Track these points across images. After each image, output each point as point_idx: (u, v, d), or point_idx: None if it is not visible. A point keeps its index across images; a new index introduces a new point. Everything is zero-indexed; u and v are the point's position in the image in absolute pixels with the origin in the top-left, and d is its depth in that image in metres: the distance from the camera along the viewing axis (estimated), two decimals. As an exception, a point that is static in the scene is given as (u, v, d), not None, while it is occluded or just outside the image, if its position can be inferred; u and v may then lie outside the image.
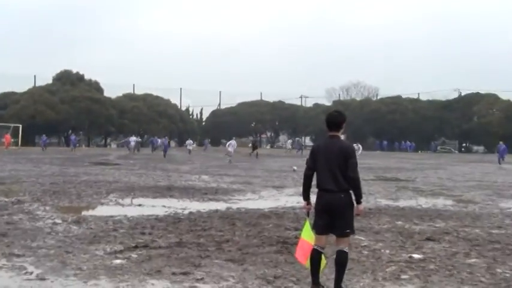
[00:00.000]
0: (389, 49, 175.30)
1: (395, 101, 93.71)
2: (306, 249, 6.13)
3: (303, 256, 6.17)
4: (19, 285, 6.19)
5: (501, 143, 43.80)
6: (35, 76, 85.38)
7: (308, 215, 6.45)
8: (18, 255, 7.61)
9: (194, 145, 58.70)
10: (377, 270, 7.05)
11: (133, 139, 57.82)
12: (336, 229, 6.04)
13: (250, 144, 57.52)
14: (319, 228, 6.09)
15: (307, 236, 6.18)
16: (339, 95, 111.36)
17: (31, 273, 6.70)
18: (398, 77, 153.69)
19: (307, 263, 6.11)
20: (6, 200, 14.03)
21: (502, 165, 39.13)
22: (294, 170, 27.09)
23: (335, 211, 5.97)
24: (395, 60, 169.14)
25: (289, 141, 79.37)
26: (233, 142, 42.96)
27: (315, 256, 6.01)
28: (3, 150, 52.09)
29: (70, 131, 71.92)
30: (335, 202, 5.97)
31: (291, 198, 15.79)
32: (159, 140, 60.71)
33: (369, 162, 40.88)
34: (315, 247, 6.04)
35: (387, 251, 8.26)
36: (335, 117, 6.36)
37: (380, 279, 6.58)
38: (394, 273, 6.91)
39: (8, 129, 65.54)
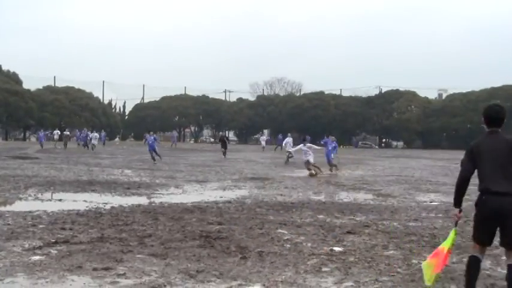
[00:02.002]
0: (313, 46, 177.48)
1: (319, 97, 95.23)
2: (440, 258, 5.54)
3: (436, 266, 5.53)
4: None
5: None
6: None
7: (456, 225, 5.77)
8: None
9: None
10: (299, 263, 7.14)
11: (56, 132, 56.18)
12: (506, 239, 5.24)
13: (218, 141, 50.62)
14: (483, 239, 5.41)
15: (447, 244, 5.59)
16: (263, 90, 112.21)
17: None
18: (322, 74, 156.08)
19: (434, 276, 5.50)
20: None
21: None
22: None
23: (508, 217, 5.15)
24: (319, 56, 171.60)
25: (263, 137, 69.37)
26: (289, 139, 36.50)
27: (473, 264, 5.43)
28: None
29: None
30: (509, 207, 5.15)
31: (213, 193, 15.84)
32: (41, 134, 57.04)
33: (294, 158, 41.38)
34: (476, 254, 5.44)
35: (309, 244, 8.38)
36: (498, 111, 5.50)
37: (302, 272, 6.68)
38: (315, 265, 7.03)
39: None
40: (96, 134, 53.25)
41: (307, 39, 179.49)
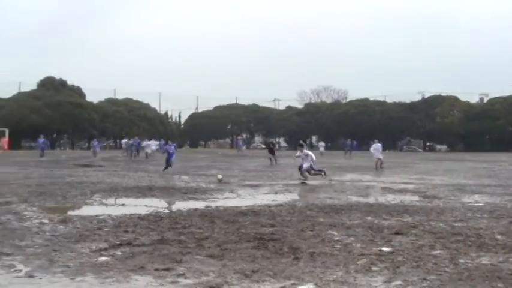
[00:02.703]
0: (357, 55, 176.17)
1: (364, 103, 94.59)
2: None
3: None
4: (9, 283, 6.13)
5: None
6: (19, 82, 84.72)
7: None
8: (7, 254, 7.54)
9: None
10: (349, 263, 7.09)
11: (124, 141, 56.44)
12: None
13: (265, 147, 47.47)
14: None
15: None
16: (310, 98, 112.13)
17: (20, 271, 6.64)
18: (366, 81, 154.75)
19: None
20: (-6, 201, 13.88)
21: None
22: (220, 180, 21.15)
23: None
24: (364, 65, 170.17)
25: (322, 143, 65.80)
26: (377, 146, 32.75)
27: None
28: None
29: (54, 135, 71.14)
30: None
31: (266, 197, 15.85)
32: (95, 143, 56.30)
33: (338, 162, 41.19)
34: None
35: (358, 245, 8.31)
36: None
37: (352, 272, 6.62)
38: (365, 265, 6.96)
39: (3, 135, 65.07)
40: (156, 142, 54.05)
41: (352, 48, 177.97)
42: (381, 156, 27.81)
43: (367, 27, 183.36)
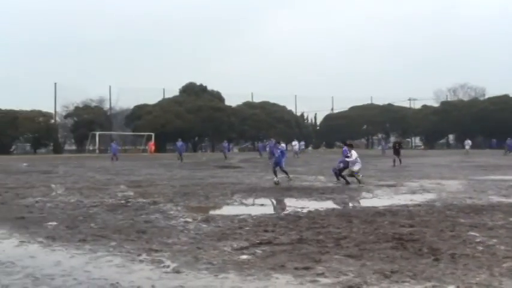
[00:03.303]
0: (495, 49, 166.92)
1: (504, 100, 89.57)
2: None
3: None
4: (159, 277, 6.49)
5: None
6: (163, 89, 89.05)
7: None
8: (156, 250, 7.98)
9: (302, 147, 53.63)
10: (493, 265, 6.76)
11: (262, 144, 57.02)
12: None
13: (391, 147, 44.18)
14: None
15: None
16: (446, 96, 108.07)
17: (168, 266, 7.01)
18: (505, 77, 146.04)
19: None
20: (144, 201, 14.71)
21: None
22: None
23: None
24: (502, 60, 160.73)
25: (468, 141, 61.95)
26: None
27: None
28: (146, 156, 54.22)
29: (196, 138, 74.02)
30: None
31: (403, 196, 15.48)
32: (225, 145, 57.28)
33: (479, 161, 39.35)
34: None
35: (502, 247, 7.90)
36: None
37: (497, 275, 6.31)
38: (511, 268, 6.62)
39: (150, 139, 68.84)
40: (296, 143, 54.70)
41: (487, 44, 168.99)
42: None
43: (502, 20, 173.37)
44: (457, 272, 6.45)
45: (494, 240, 8.45)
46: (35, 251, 8.21)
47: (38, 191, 17.54)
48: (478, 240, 8.51)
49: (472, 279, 6.16)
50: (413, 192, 16.75)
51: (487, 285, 5.92)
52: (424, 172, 26.70)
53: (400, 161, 34.94)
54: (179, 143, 46.68)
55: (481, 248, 7.85)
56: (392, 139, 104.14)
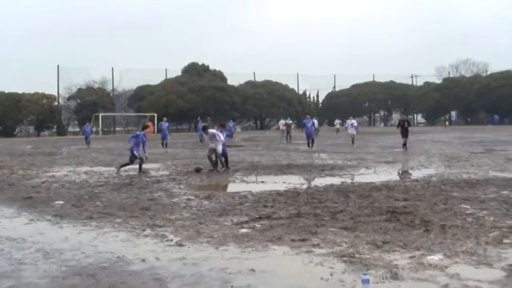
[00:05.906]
0: (498, 24, 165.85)
1: (506, 76, 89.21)
2: None
3: None
4: (162, 250, 6.83)
5: None
6: (166, 69, 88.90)
7: None
8: (159, 226, 8.33)
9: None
10: (480, 235, 7.09)
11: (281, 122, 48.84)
12: None
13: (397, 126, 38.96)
14: None
15: None
16: (449, 72, 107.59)
17: (171, 240, 7.36)
18: (508, 53, 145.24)
19: None
20: (147, 179, 15.05)
21: None
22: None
23: None
24: (506, 35, 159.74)
25: (496, 116, 62.51)
26: None
27: None
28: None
29: (198, 118, 74.10)
30: None
31: (402, 172, 15.77)
32: (231, 125, 47.27)
33: (480, 136, 39.54)
34: None
35: (491, 218, 8.23)
36: None
37: (482, 243, 6.64)
38: (496, 237, 6.93)
39: (152, 119, 68.86)
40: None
41: (490, 18, 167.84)
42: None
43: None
44: (445, 242, 6.77)
45: (484, 212, 8.78)
46: (44, 228, 8.57)
47: (42, 172, 17.88)
48: (468, 212, 8.83)
49: (459, 248, 6.48)
50: (412, 168, 17.05)
51: (472, 252, 6.25)
52: (425, 148, 26.94)
53: (405, 145, 26.14)
54: (165, 124, 35.71)
55: (470, 220, 8.17)
56: (395, 116, 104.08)
